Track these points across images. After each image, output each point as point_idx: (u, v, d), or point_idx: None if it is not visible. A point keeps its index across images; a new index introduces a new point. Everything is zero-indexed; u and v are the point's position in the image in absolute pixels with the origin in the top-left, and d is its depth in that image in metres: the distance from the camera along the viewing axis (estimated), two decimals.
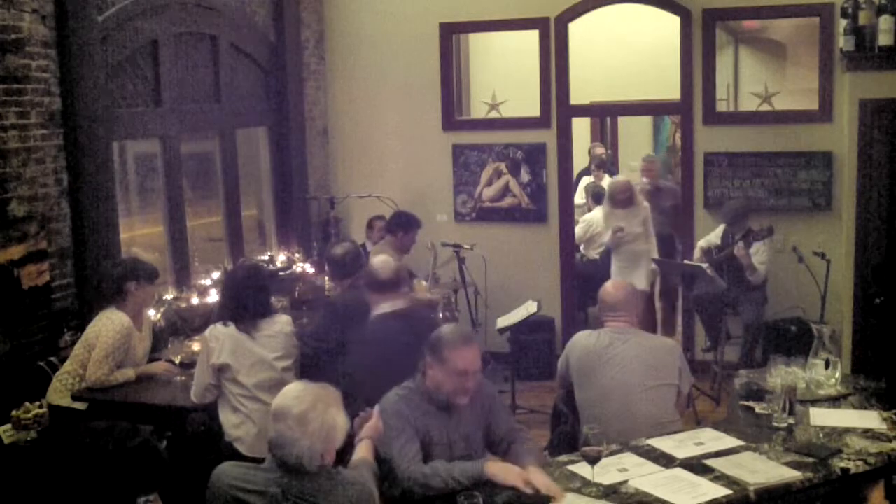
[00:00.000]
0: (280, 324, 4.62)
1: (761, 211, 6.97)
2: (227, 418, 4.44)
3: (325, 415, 2.88)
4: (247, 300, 4.54)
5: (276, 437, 2.88)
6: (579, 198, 9.05)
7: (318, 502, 2.87)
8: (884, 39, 5.82)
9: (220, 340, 4.44)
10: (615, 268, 7.36)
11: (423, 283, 6.84)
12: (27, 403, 4.80)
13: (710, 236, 7.03)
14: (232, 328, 4.47)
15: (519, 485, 3.26)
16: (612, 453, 3.55)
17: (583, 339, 4.22)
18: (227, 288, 4.74)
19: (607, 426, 3.69)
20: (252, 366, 4.44)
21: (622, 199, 7.32)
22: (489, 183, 7.87)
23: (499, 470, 3.33)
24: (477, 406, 3.67)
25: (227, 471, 3.00)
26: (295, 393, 2.94)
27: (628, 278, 6.68)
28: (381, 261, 4.56)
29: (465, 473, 3.30)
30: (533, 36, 7.59)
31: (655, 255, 7.40)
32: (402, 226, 6.48)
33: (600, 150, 10.10)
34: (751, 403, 4.12)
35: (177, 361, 5.07)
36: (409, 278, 6.61)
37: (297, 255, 7.31)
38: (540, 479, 3.28)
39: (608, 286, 4.42)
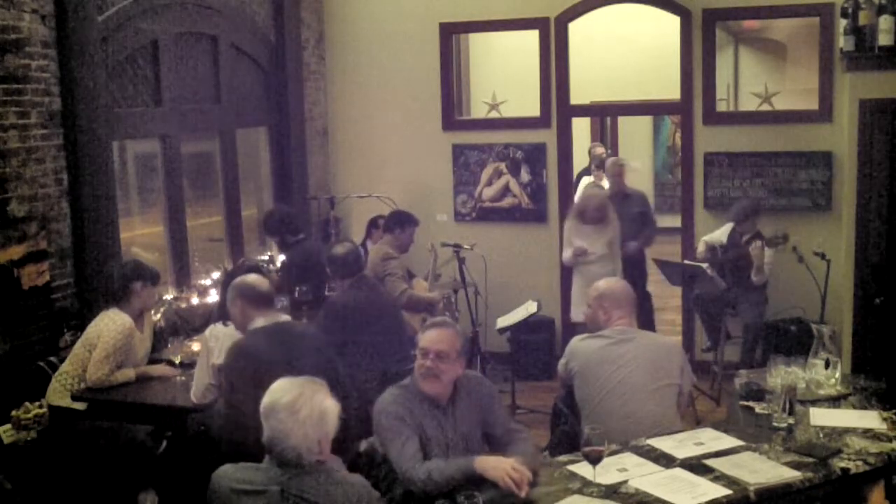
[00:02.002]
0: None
1: (761, 211, 6.96)
2: None
3: (313, 400, 2.92)
4: None
5: (270, 433, 2.90)
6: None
7: (318, 500, 2.88)
8: (884, 39, 5.82)
9: (220, 340, 4.44)
10: (577, 289, 6.67)
11: (423, 282, 6.85)
12: (27, 403, 4.80)
13: (716, 234, 7.01)
14: (231, 328, 4.46)
15: (506, 481, 3.25)
16: (613, 453, 3.55)
17: (586, 341, 4.18)
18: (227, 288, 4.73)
19: (609, 426, 3.69)
20: None
21: (596, 216, 6.67)
22: (489, 183, 7.87)
23: (488, 465, 3.32)
24: (473, 403, 3.67)
25: (226, 473, 3.01)
26: (280, 387, 2.99)
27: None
28: (256, 277, 4.46)
29: (459, 470, 3.31)
30: (533, 36, 7.59)
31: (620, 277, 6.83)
32: (399, 224, 6.50)
33: (600, 150, 10.10)
34: (751, 403, 4.12)
35: (177, 361, 5.07)
36: (409, 278, 6.63)
37: None
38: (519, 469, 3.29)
39: (608, 285, 4.35)
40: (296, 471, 2.89)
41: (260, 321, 4.14)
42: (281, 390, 2.96)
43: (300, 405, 2.89)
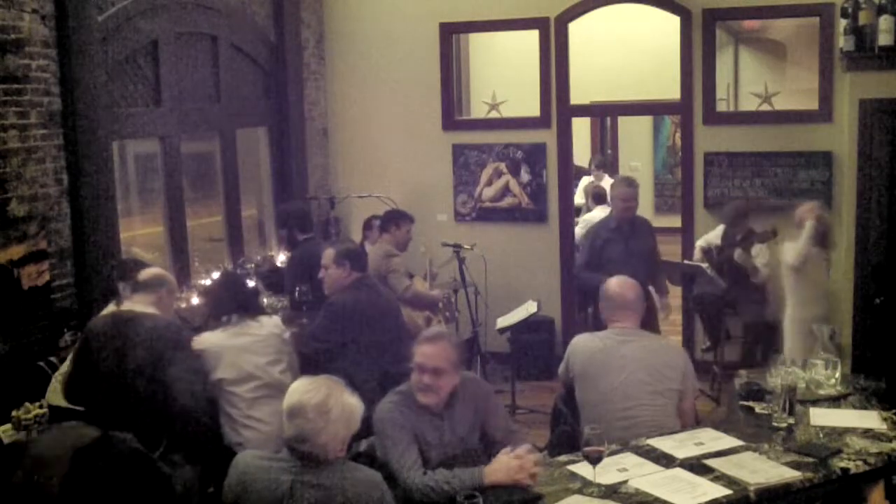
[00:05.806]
0: (268, 326, 4.63)
1: (761, 210, 6.96)
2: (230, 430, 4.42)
3: (342, 400, 2.95)
4: (233, 299, 4.58)
5: (297, 433, 2.91)
6: (578, 198, 9.04)
7: (336, 488, 2.90)
8: (884, 39, 5.82)
9: (211, 353, 4.42)
10: (798, 317, 5.54)
11: (424, 281, 6.85)
12: (27, 404, 4.78)
13: (710, 236, 7.02)
14: (220, 335, 4.46)
15: (519, 479, 3.28)
16: (613, 453, 3.56)
17: (586, 342, 4.16)
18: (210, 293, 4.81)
19: (609, 427, 3.68)
20: (247, 376, 4.44)
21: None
22: (489, 183, 7.87)
23: (498, 477, 3.32)
24: (470, 406, 3.68)
25: (245, 458, 3.07)
26: (305, 387, 2.99)
27: (807, 336, 5.25)
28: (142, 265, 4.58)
29: (464, 485, 3.28)
30: (533, 36, 7.59)
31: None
32: (394, 221, 6.52)
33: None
34: (751, 403, 4.13)
35: None
36: (408, 277, 6.64)
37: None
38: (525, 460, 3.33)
39: (614, 285, 4.29)
40: (316, 463, 2.92)
41: (111, 308, 4.31)
42: (307, 391, 2.96)
43: (331, 405, 2.91)
